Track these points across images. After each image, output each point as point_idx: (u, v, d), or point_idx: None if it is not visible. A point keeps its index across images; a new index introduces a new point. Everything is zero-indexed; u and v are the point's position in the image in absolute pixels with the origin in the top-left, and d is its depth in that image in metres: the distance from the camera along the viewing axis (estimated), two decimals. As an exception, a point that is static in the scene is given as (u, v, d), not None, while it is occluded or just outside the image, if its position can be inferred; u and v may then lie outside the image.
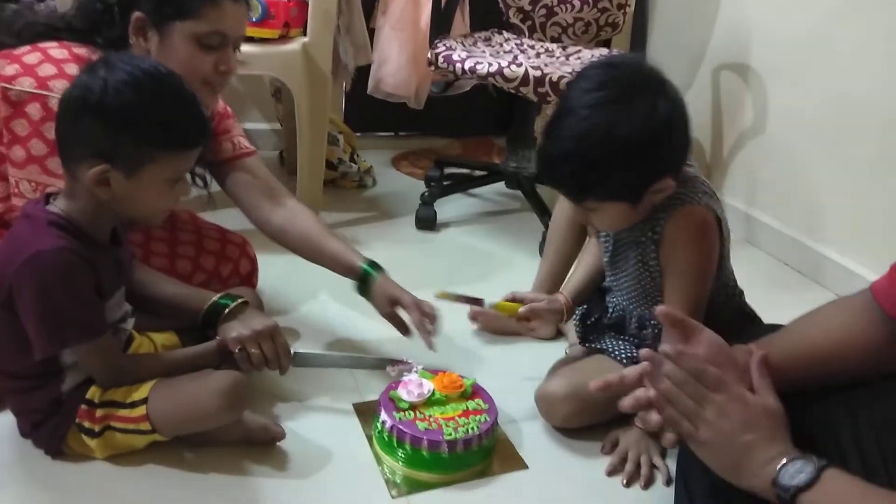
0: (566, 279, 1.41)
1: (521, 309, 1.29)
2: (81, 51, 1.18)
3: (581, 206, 1.13)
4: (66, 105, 1.00)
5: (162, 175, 1.02)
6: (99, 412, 1.06)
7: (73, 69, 1.14)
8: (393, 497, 1.09)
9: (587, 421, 1.24)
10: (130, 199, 1.02)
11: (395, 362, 1.28)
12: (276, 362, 1.19)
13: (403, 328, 1.33)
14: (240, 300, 1.20)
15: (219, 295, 1.21)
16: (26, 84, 1.14)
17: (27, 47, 1.18)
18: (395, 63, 2.24)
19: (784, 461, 0.77)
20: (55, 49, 1.18)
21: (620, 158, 1.03)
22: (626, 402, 0.88)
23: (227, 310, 1.18)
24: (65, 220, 1.01)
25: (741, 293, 1.32)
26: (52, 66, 1.16)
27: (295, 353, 1.24)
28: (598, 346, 1.29)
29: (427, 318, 1.29)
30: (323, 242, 1.35)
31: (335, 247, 1.35)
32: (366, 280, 1.32)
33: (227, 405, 1.06)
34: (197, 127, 1.04)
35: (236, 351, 1.15)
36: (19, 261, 0.98)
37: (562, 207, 1.45)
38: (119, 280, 1.10)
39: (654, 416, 0.87)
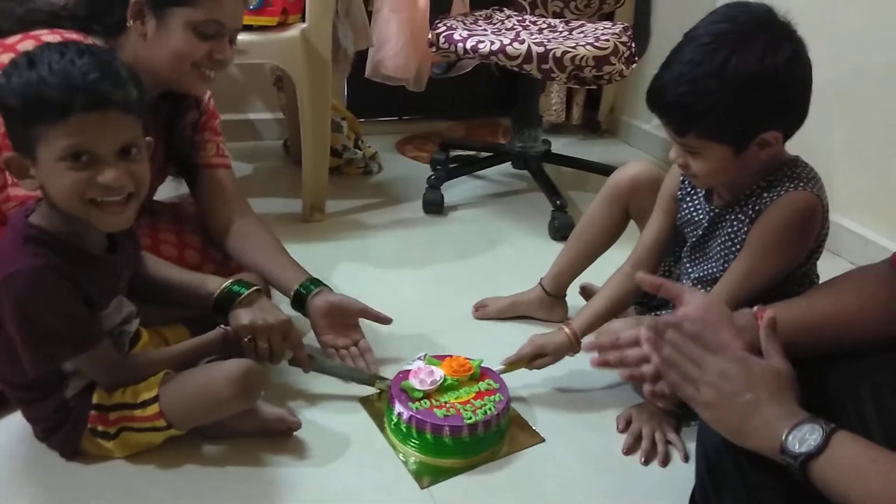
0: (581, 310, 1.33)
1: (527, 367, 1.27)
2: (73, 36, 1.17)
3: (682, 142, 1.07)
4: None
5: (53, 154, 0.90)
6: (112, 415, 1.05)
7: None
8: (422, 488, 1.08)
9: None
10: (49, 188, 0.94)
11: (385, 380, 1.25)
12: (279, 357, 1.18)
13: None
14: (253, 288, 1.19)
15: (231, 280, 1.19)
16: None
17: (18, 36, 1.17)
18: (393, 45, 2.20)
19: (789, 427, 0.75)
20: (47, 35, 1.17)
21: (732, 91, 0.99)
22: (623, 374, 0.94)
23: (240, 297, 1.17)
24: (45, 232, 0.96)
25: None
26: None
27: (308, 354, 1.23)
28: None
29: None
30: (270, 266, 1.31)
31: (279, 272, 1.31)
32: (300, 299, 1.29)
33: (240, 392, 1.05)
34: (72, 88, 0.88)
35: (245, 340, 1.15)
36: None
37: (599, 203, 1.41)
38: (118, 286, 1.07)
39: (660, 385, 0.88)
